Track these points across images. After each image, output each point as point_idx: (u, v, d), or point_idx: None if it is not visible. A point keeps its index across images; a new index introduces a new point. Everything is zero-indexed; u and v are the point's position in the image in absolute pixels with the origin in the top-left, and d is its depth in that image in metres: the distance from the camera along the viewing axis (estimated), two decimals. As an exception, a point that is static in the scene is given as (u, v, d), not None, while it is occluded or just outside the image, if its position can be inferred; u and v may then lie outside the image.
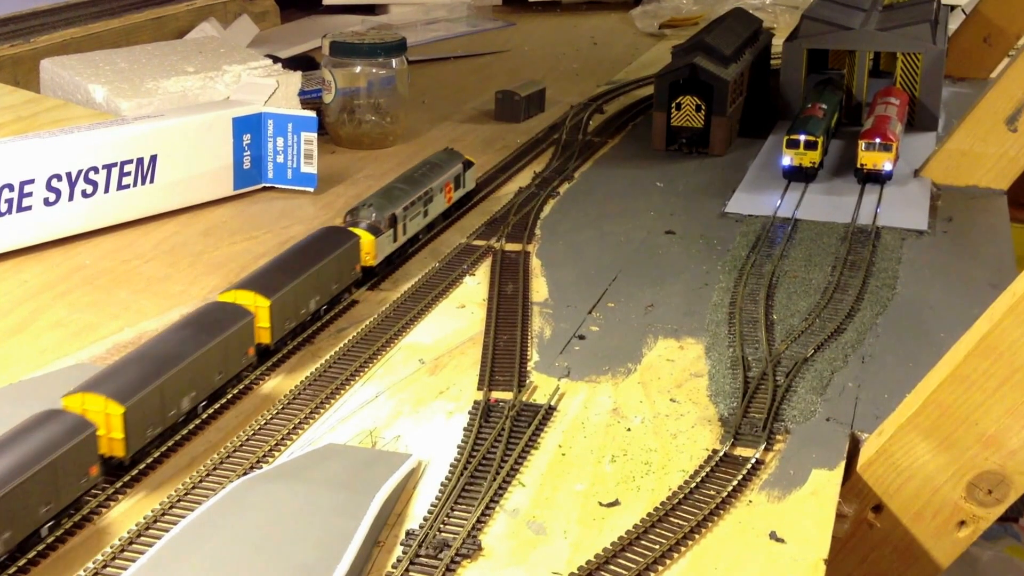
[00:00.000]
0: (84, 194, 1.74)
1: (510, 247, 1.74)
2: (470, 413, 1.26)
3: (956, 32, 2.82)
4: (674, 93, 2.20)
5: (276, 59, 2.46)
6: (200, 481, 1.12)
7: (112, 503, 1.11)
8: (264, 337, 1.36)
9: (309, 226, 1.78)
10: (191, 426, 1.23)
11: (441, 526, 1.06)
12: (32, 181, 1.68)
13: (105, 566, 1.00)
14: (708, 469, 1.15)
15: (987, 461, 1.13)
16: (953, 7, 3.12)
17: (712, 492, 1.11)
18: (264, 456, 1.17)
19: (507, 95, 2.50)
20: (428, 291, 1.58)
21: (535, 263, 1.69)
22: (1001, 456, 1.13)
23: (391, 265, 1.67)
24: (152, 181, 1.83)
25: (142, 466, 1.16)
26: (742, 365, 1.37)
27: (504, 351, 1.40)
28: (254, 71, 2.25)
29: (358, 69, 2.24)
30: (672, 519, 1.07)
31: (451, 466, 1.16)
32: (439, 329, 1.48)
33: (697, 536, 1.05)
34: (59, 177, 1.71)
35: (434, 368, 1.38)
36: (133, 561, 0.98)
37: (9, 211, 1.66)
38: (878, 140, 2.01)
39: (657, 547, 1.03)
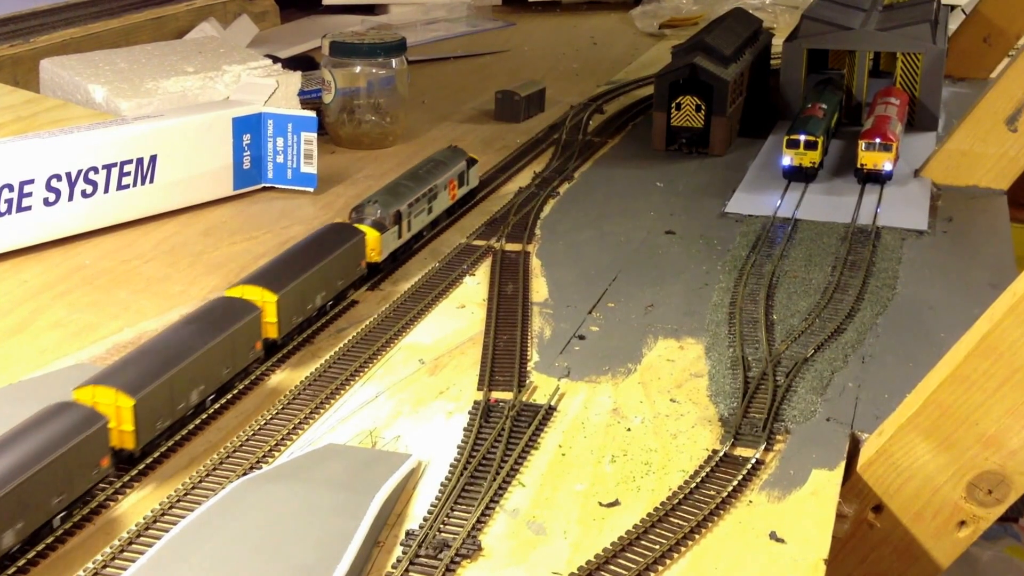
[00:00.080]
0: (84, 194, 1.74)
1: (510, 247, 1.74)
2: (470, 413, 1.26)
3: (956, 32, 2.82)
4: (674, 93, 2.20)
5: (276, 59, 2.46)
6: (200, 481, 1.12)
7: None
8: (271, 332, 1.37)
9: (309, 226, 1.78)
10: (199, 419, 1.24)
11: (441, 526, 1.06)
12: (32, 181, 1.68)
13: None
14: (708, 469, 1.15)
15: (987, 461, 1.13)
16: (953, 7, 3.12)
17: (712, 492, 1.11)
18: (264, 456, 1.17)
19: (507, 95, 2.50)
20: (428, 291, 1.58)
21: (535, 263, 1.69)
22: (1001, 456, 1.13)
23: (396, 261, 1.68)
24: (152, 181, 1.83)
25: (149, 460, 1.17)
26: (742, 365, 1.37)
27: (504, 351, 1.40)
28: (254, 71, 2.25)
29: (358, 69, 2.24)
30: (672, 519, 1.07)
31: (451, 466, 1.16)
32: (439, 329, 1.48)
33: (697, 536, 1.05)
34: (59, 177, 1.71)
35: (434, 368, 1.38)
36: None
37: (9, 211, 1.66)
38: (878, 140, 2.01)
39: (657, 547, 1.03)
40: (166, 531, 1.02)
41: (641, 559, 1.01)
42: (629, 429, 1.24)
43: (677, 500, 1.10)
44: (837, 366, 1.37)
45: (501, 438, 1.20)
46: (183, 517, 1.04)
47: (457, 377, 1.36)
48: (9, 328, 1.47)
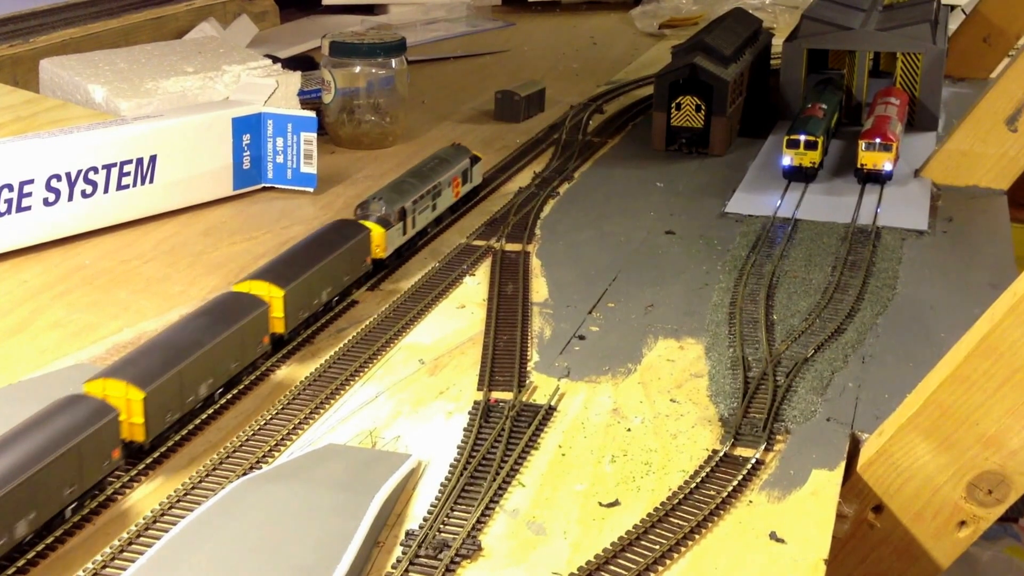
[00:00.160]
0: (84, 194, 1.74)
1: (510, 247, 1.74)
2: (470, 413, 1.26)
3: (956, 32, 2.82)
4: (674, 93, 2.20)
5: (276, 59, 2.46)
6: (200, 481, 1.12)
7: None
8: (278, 327, 1.38)
9: (309, 226, 1.78)
10: (208, 412, 1.25)
11: (441, 526, 1.05)
12: (32, 181, 1.68)
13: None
14: (708, 469, 1.15)
15: (987, 461, 1.13)
16: (953, 7, 3.12)
17: (712, 492, 1.11)
18: (264, 456, 1.17)
19: (507, 95, 2.50)
20: (428, 291, 1.58)
21: (535, 263, 1.69)
22: (1001, 456, 1.13)
23: (400, 258, 1.68)
24: (152, 181, 1.83)
25: (157, 454, 1.17)
26: (742, 365, 1.37)
27: (504, 351, 1.40)
28: (253, 71, 2.24)
29: (358, 69, 2.24)
30: (672, 519, 1.07)
31: (451, 466, 1.16)
32: (439, 329, 1.48)
33: (697, 536, 1.05)
34: (59, 177, 1.70)
35: (434, 368, 1.38)
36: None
37: (9, 211, 1.66)
38: (878, 140, 2.01)
39: (657, 547, 1.03)
40: (166, 531, 1.02)
41: (641, 559, 1.01)
42: (629, 429, 1.24)
43: (677, 500, 1.10)
44: (837, 366, 1.37)
45: (501, 438, 1.20)
46: (183, 517, 1.04)
47: (457, 377, 1.35)
48: (9, 328, 1.47)
